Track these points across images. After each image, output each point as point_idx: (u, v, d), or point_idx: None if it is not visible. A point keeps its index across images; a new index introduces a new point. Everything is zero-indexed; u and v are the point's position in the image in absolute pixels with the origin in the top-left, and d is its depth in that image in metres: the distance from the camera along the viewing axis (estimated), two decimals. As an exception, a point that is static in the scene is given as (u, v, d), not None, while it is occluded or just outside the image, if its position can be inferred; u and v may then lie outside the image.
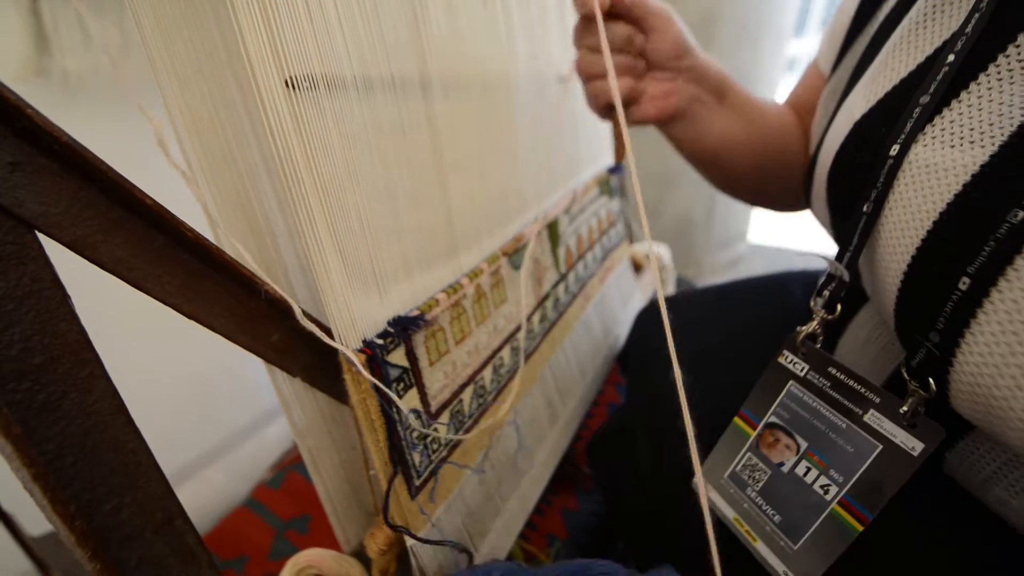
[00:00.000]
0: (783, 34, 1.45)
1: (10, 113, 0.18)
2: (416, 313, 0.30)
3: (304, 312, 0.25)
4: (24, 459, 0.19)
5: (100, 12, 0.52)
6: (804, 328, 0.29)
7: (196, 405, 0.74)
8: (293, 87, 0.22)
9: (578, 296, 0.54)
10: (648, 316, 0.55)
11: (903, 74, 0.27)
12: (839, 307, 0.28)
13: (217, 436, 0.77)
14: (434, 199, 0.32)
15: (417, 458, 0.31)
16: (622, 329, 0.65)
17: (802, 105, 0.47)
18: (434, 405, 0.33)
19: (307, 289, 0.33)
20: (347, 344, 0.26)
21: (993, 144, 0.21)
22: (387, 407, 0.28)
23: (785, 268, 0.57)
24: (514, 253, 0.41)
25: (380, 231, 0.28)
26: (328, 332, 0.26)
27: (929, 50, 0.26)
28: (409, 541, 0.30)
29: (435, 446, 0.33)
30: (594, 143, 0.60)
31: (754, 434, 0.32)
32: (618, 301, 0.66)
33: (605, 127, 0.68)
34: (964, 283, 0.20)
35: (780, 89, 1.57)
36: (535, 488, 0.44)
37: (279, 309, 0.29)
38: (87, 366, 0.23)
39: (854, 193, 0.27)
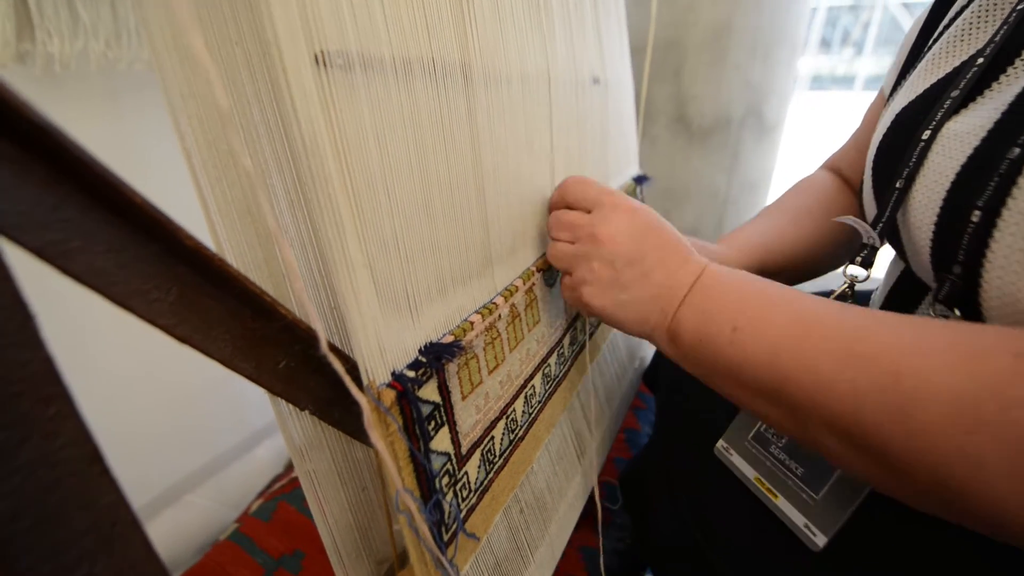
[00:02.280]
0: (796, 47, 1.44)
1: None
2: (450, 339, 0.26)
3: (331, 345, 0.20)
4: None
5: (92, -7, 0.47)
6: (836, 290, 0.35)
7: (179, 423, 0.68)
8: (324, 64, 0.18)
9: (605, 315, 0.50)
10: None
11: (940, 76, 0.32)
12: (869, 270, 0.33)
13: (202, 457, 0.71)
14: (471, 204, 0.27)
15: (446, 508, 0.26)
16: (647, 351, 0.61)
17: (847, 159, 0.51)
18: (465, 445, 0.28)
19: (317, 305, 0.29)
20: (374, 377, 0.22)
21: (1000, 111, 0.25)
22: (417, 452, 0.24)
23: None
24: (548, 268, 0.37)
25: (415, 240, 0.23)
26: (353, 365, 0.22)
27: (964, 57, 0.31)
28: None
29: (464, 492, 0.28)
30: (622, 151, 0.56)
31: None
32: (642, 320, 0.62)
33: (633, 135, 0.64)
34: (976, 216, 0.24)
35: (793, 104, 1.56)
36: (563, 533, 0.40)
37: (288, 331, 0.24)
38: (53, 403, 0.18)
39: (891, 173, 0.31)
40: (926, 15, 0.39)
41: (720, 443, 0.37)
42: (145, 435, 0.65)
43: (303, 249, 0.27)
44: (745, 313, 0.27)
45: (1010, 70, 0.27)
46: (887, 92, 0.43)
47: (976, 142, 0.26)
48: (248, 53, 0.23)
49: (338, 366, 0.21)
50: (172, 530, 0.64)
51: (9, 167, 0.16)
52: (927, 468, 0.21)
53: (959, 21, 0.33)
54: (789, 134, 1.64)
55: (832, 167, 0.53)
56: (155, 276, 0.20)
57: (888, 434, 0.21)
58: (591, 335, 0.46)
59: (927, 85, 0.33)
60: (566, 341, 0.41)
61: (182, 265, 0.20)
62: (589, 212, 0.33)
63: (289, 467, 0.72)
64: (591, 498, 0.57)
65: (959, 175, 0.26)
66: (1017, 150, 0.23)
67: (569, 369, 0.42)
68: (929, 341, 0.21)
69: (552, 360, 0.39)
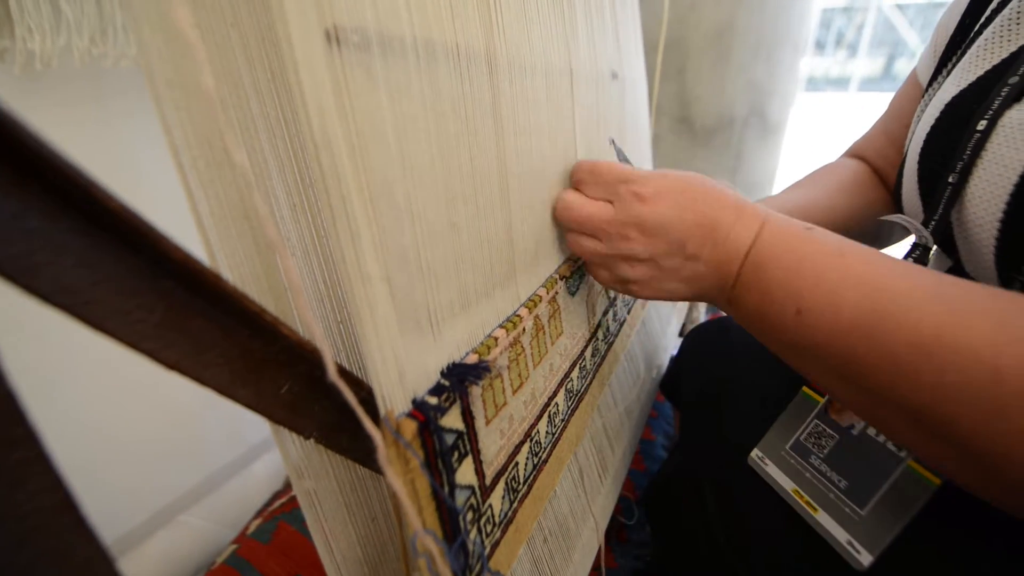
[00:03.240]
0: (799, 48, 1.43)
1: None
2: (474, 358, 0.23)
3: (340, 369, 0.17)
4: None
5: (75, -16, 0.44)
6: None
7: (172, 439, 0.65)
8: (338, 41, 0.15)
9: (624, 323, 0.48)
10: (701, 339, 0.48)
11: (995, 62, 0.30)
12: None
13: (197, 475, 0.68)
14: (496, 206, 0.25)
15: (471, 545, 0.24)
16: (663, 358, 0.58)
17: (874, 146, 0.48)
18: (489, 475, 0.25)
19: (322, 320, 0.26)
20: (392, 406, 0.19)
21: None
22: (439, 488, 0.21)
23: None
24: (571, 276, 0.34)
25: (437, 248, 0.21)
26: (367, 391, 0.19)
27: (1022, 42, 0.28)
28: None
29: (489, 528, 0.25)
30: (639, 147, 0.54)
31: (823, 400, 0.33)
32: (658, 326, 0.59)
33: (647, 132, 0.62)
34: None
35: (796, 104, 1.54)
36: (586, 560, 0.37)
37: (291, 352, 0.21)
38: (17, 448, 0.15)
39: (941, 167, 0.29)
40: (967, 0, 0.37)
41: (755, 452, 0.34)
42: (136, 453, 0.61)
43: (306, 257, 0.24)
44: (810, 293, 0.24)
45: None
46: (924, 79, 0.41)
47: None
48: (245, 37, 0.20)
49: (349, 395, 0.18)
50: (166, 553, 0.61)
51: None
52: (1022, 469, 0.18)
53: (1014, 3, 0.30)
54: (791, 135, 1.62)
55: (857, 154, 0.50)
56: (136, 293, 0.17)
57: (980, 432, 0.19)
58: (611, 345, 0.44)
59: (981, 72, 0.31)
60: (588, 352, 0.38)
61: (169, 280, 0.17)
62: (610, 202, 0.30)
63: (289, 483, 0.69)
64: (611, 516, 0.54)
65: None
66: None
67: (591, 383, 0.39)
68: None
69: (575, 374, 0.36)
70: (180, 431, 0.65)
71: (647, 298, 0.31)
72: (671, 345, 0.63)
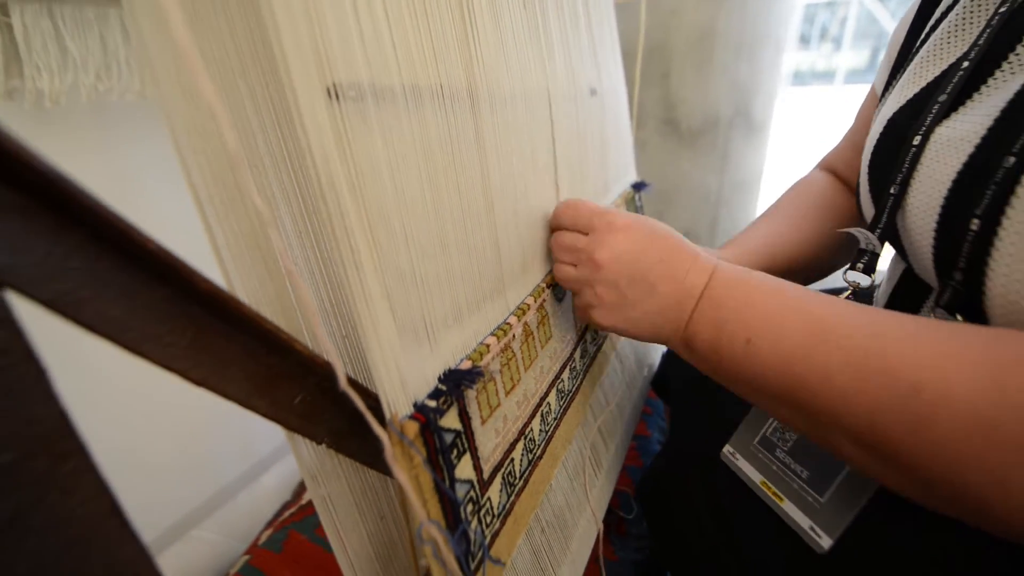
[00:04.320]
0: (781, 46, 1.46)
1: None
2: (468, 364, 0.25)
3: (350, 380, 0.20)
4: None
5: (81, 26, 0.47)
6: (841, 296, 0.34)
7: (182, 454, 0.67)
8: (337, 97, 0.17)
9: (613, 325, 0.50)
10: None
11: (929, 79, 0.32)
12: (872, 275, 0.34)
13: (208, 489, 0.70)
14: (482, 226, 0.27)
15: (472, 536, 0.26)
16: (655, 357, 0.61)
17: (843, 158, 0.51)
18: (487, 470, 0.27)
19: (329, 335, 0.28)
20: (396, 410, 0.21)
21: (993, 117, 0.25)
22: (441, 482, 0.23)
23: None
24: (557, 284, 0.37)
25: (431, 268, 0.23)
26: (374, 398, 0.21)
27: (951, 59, 0.31)
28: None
29: (488, 519, 0.28)
30: (620, 159, 0.56)
31: None
32: (647, 327, 0.61)
33: (629, 142, 0.64)
34: (975, 224, 0.24)
35: (780, 101, 1.57)
36: (584, 548, 0.39)
37: (303, 365, 0.23)
38: (70, 459, 0.18)
39: (886, 177, 0.32)
40: (913, 13, 0.39)
41: (726, 448, 0.37)
42: (148, 469, 0.63)
43: (311, 276, 0.27)
44: (758, 323, 0.27)
45: (997, 73, 0.27)
46: (879, 91, 0.43)
47: (970, 149, 0.26)
48: (251, 84, 0.23)
49: (359, 403, 0.21)
50: (179, 568, 0.63)
51: (17, 218, 0.16)
52: (947, 479, 0.20)
53: (945, 23, 0.33)
54: (777, 131, 1.66)
55: (828, 167, 0.53)
56: (168, 319, 0.19)
57: (908, 445, 0.21)
58: (600, 347, 0.46)
59: (916, 90, 0.33)
60: (577, 355, 0.41)
61: (196, 306, 0.20)
62: (586, 234, 0.33)
63: (299, 493, 0.71)
64: (609, 509, 0.56)
65: (955, 182, 0.26)
66: (1012, 159, 0.23)
67: (581, 383, 0.42)
68: (949, 350, 0.21)
69: (565, 375, 0.38)
70: (191, 446, 0.67)
71: (608, 326, 0.32)
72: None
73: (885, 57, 0.43)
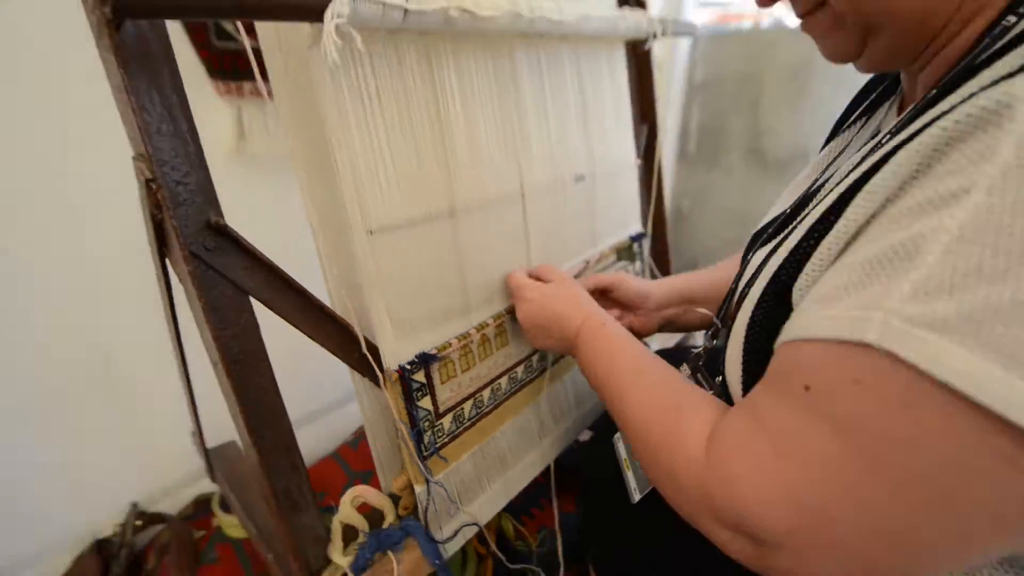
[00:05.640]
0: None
1: (247, 252, 0.40)
2: (434, 352, 0.49)
3: (367, 342, 0.45)
4: (237, 398, 0.41)
5: (276, 117, 0.78)
6: (696, 350, 0.51)
7: (301, 379, 1.01)
8: (371, 233, 0.42)
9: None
10: None
11: (785, 208, 0.43)
12: (715, 340, 0.48)
13: (317, 402, 1.04)
14: (454, 284, 0.51)
15: (426, 438, 0.50)
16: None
17: None
18: (442, 408, 0.51)
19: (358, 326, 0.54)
20: (389, 366, 0.46)
21: (763, 256, 0.38)
22: (409, 405, 0.47)
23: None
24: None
25: (419, 306, 0.47)
26: (379, 361, 0.46)
27: (793, 200, 0.43)
28: (417, 487, 0.49)
29: (440, 435, 0.52)
30: (614, 217, 0.75)
31: None
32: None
33: (635, 202, 0.81)
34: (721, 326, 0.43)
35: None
36: (519, 478, 0.61)
37: (353, 339, 0.49)
38: (262, 359, 0.45)
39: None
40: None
41: (617, 435, 0.56)
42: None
43: (354, 316, 0.52)
44: (604, 363, 0.46)
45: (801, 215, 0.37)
46: None
47: (752, 270, 0.42)
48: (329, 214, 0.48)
49: (372, 361, 0.46)
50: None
51: (253, 272, 0.43)
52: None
53: (818, 157, 0.48)
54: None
55: None
56: (296, 309, 0.46)
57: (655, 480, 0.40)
58: (561, 356, 0.67)
59: (776, 213, 0.48)
60: (535, 357, 0.62)
61: (306, 301, 0.46)
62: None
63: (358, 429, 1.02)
64: (578, 478, 0.77)
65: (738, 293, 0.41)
66: (742, 284, 0.39)
67: (537, 376, 0.63)
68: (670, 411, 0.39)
69: (519, 369, 0.60)
70: (306, 374, 1.01)
71: (537, 347, 0.57)
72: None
73: None
